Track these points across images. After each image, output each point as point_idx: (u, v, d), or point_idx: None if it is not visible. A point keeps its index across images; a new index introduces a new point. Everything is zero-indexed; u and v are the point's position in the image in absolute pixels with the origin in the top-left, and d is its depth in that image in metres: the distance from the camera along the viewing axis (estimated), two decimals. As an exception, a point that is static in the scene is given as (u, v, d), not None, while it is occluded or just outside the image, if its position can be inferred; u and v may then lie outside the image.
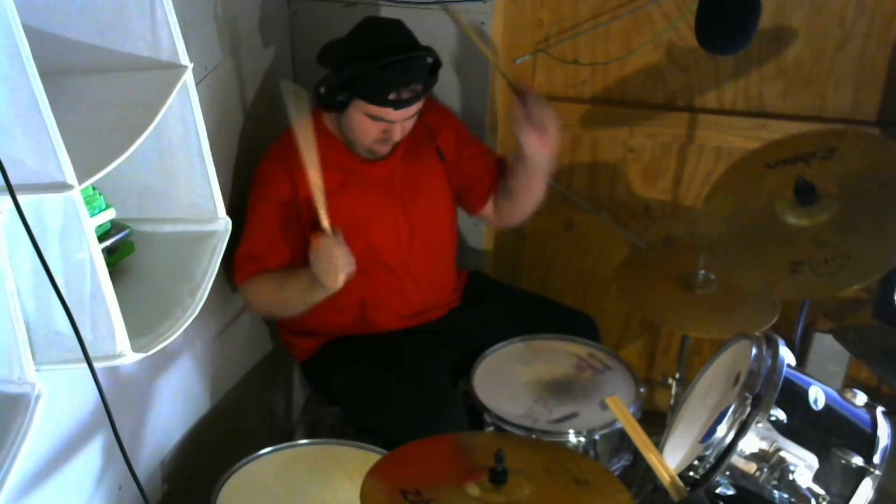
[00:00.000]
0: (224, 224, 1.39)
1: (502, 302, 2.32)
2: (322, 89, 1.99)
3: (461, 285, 2.36)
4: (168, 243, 1.38)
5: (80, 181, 1.03)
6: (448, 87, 2.34)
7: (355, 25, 2.02)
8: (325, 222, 1.92)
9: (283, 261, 2.07)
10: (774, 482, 1.45)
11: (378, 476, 1.54)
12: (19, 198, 0.99)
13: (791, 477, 1.44)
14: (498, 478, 1.45)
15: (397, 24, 2.02)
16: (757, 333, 1.62)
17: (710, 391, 1.69)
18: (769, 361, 1.53)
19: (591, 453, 1.93)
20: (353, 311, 2.20)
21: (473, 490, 1.46)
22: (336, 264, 1.91)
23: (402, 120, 2.00)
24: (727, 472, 1.47)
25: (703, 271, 2.23)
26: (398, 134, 2.02)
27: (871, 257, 1.90)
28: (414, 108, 1.99)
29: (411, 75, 1.95)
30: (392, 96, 1.94)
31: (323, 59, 2.02)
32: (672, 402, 2.44)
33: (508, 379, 2.08)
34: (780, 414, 1.46)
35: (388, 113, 1.97)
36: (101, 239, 1.26)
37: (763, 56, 2.39)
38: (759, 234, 2.05)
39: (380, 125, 2.00)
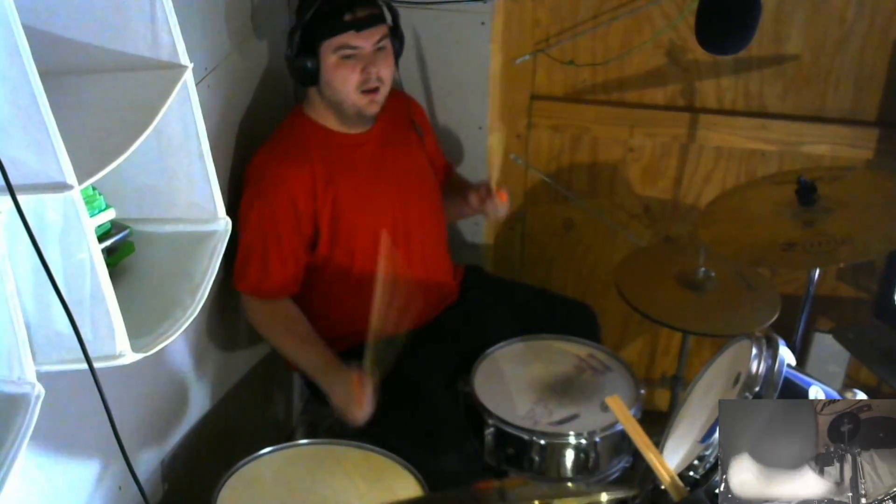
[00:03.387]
0: (224, 224, 1.39)
1: (501, 298, 2.31)
2: (289, 52, 2.00)
3: (458, 279, 2.35)
4: (168, 243, 1.38)
5: (80, 181, 1.03)
6: (448, 88, 2.34)
7: None
8: (369, 366, 1.93)
9: (288, 275, 2.09)
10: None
11: None
12: (19, 198, 0.99)
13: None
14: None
15: None
16: (757, 333, 1.62)
17: (710, 391, 1.69)
18: (769, 361, 1.53)
19: (592, 454, 1.93)
20: (353, 317, 2.20)
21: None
22: (358, 406, 1.93)
23: (370, 47, 1.98)
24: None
25: (703, 269, 2.23)
26: (374, 72, 1.99)
27: (865, 241, 1.95)
28: (378, 33, 1.98)
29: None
30: (348, 17, 1.94)
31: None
32: (672, 402, 2.44)
33: (508, 380, 2.08)
34: (780, 414, 1.46)
35: (352, 37, 1.95)
36: (101, 239, 1.26)
37: (763, 56, 2.39)
38: (755, 225, 2.08)
39: (355, 65, 1.98)
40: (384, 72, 2.02)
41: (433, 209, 2.28)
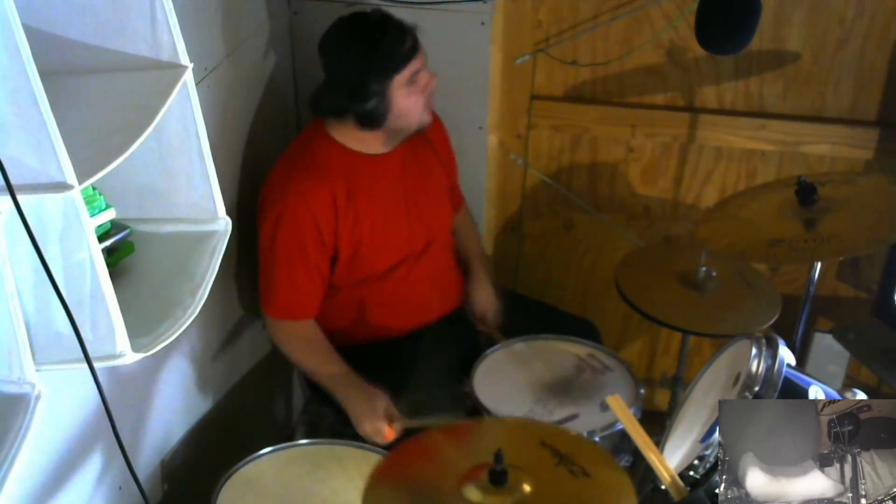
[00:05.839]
0: (224, 224, 1.39)
1: (504, 307, 2.31)
2: (367, 106, 1.98)
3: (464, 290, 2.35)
4: (168, 243, 1.38)
5: (80, 181, 1.03)
6: (448, 87, 2.34)
7: (336, 34, 2.02)
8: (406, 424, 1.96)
9: (317, 296, 2.10)
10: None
11: (379, 480, 1.54)
12: (19, 198, 0.99)
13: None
14: (497, 478, 1.45)
15: (362, 14, 2.03)
16: (757, 333, 1.62)
17: (710, 391, 1.69)
18: (769, 361, 1.53)
19: (591, 453, 1.93)
20: (362, 320, 2.20)
21: (473, 494, 1.46)
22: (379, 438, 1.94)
23: (426, 67, 2.03)
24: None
25: (703, 268, 2.23)
26: (433, 82, 2.05)
27: (852, 239, 1.96)
28: (423, 50, 2.03)
29: (402, 26, 2.00)
30: (407, 45, 1.98)
31: (336, 77, 2.02)
32: (672, 402, 2.44)
33: (508, 380, 2.07)
34: (780, 414, 1.46)
35: (417, 63, 2.00)
36: (101, 239, 1.26)
37: (763, 56, 2.39)
38: (753, 223, 2.09)
39: (419, 88, 2.02)
40: (434, 81, 2.06)
41: (447, 229, 2.29)
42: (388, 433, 1.94)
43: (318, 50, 2.04)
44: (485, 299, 2.29)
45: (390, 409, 1.97)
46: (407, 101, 2.01)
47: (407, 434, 1.95)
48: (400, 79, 1.98)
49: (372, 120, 2.01)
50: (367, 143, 2.08)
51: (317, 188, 2.01)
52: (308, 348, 2.13)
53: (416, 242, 2.17)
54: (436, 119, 2.26)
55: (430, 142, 2.22)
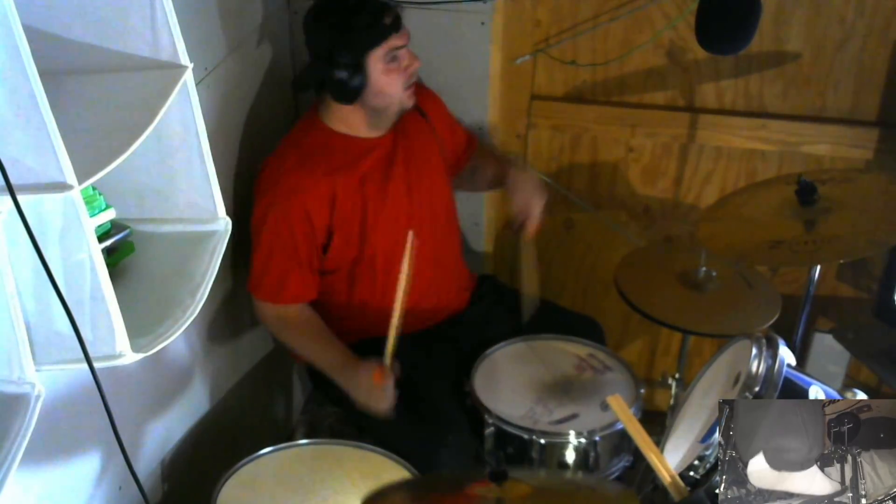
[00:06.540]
0: (224, 224, 1.39)
1: (508, 305, 2.31)
2: (338, 76, 1.98)
3: (471, 287, 2.35)
4: (168, 243, 1.38)
5: (80, 181, 1.03)
6: (448, 87, 2.34)
7: (317, 6, 2.01)
8: (388, 360, 1.96)
9: (305, 283, 2.09)
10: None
11: None
12: (19, 198, 0.99)
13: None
14: (497, 478, 1.45)
15: None
16: (757, 333, 1.63)
17: (710, 391, 1.69)
18: (769, 361, 1.53)
19: (592, 454, 1.93)
20: (359, 316, 2.20)
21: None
22: (380, 398, 1.96)
23: (408, 44, 2.02)
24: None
25: (703, 268, 2.23)
26: (415, 64, 2.03)
27: (852, 241, 1.96)
28: (407, 30, 2.02)
29: (382, 3, 2.00)
30: (387, 20, 1.97)
31: (314, 49, 2.03)
32: (672, 402, 2.44)
33: (509, 379, 2.08)
34: (780, 414, 1.46)
35: (396, 39, 1.98)
36: (101, 239, 1.26)
37: (763, 56, 2.39)
38: (754, 224, 2.09)
39: (399, 66, 2.00)
40: (415, 66, 2.05)
41: (446, 218, 2.27)
42: (379, 386, 1.95)
43: (302, 25, 2.03)
44: (528, 186, 2.18)
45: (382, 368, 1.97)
46: (385, 79, 2.00)
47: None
48: (377, 54, 1.97)
49: (346, 93, 2.00)
50: (354, 125, 2.07)
51: (311, 181, 2.00)
52: (299, 332, 2.13)
53: (415, 224, 2.16)
54: (428, 92, 2.26)
55: (426, 119, 2.21)
